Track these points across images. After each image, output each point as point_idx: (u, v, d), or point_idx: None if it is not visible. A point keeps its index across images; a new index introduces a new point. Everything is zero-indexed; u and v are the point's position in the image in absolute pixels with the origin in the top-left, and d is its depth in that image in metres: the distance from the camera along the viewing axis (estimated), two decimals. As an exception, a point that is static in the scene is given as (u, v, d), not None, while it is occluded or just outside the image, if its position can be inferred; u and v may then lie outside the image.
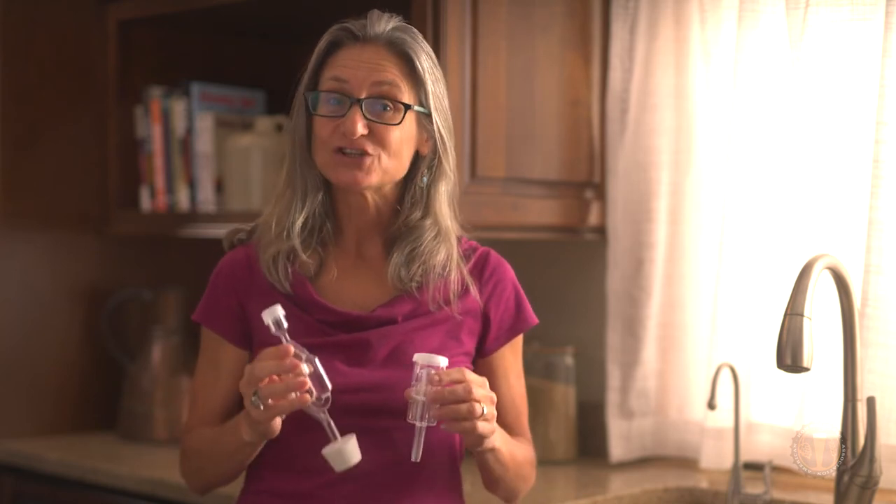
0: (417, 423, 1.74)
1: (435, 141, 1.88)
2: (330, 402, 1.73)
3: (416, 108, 1.85)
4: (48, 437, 3.11)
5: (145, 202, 3.11)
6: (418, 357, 1.75)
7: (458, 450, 1.92)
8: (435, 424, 1.75)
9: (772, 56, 2.55)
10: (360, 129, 1.80)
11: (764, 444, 2.59)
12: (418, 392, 1.73)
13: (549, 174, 2.71)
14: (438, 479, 1.88)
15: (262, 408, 1.69)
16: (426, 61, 1.87)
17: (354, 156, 1.82)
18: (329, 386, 1.73)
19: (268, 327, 1.74)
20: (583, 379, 2.87)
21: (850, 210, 2.46)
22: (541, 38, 2.68)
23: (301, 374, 1.69)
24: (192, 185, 3.04)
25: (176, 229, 3.03)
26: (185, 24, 3.15)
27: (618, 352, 2.78)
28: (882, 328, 2.35)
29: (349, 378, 1.81)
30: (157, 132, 3.08)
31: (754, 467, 2.50)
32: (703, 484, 2.57)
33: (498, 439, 1.83)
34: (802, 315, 2.00)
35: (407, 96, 1.84)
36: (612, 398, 2.77)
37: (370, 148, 1.82)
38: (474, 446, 1.81)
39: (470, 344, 1.91)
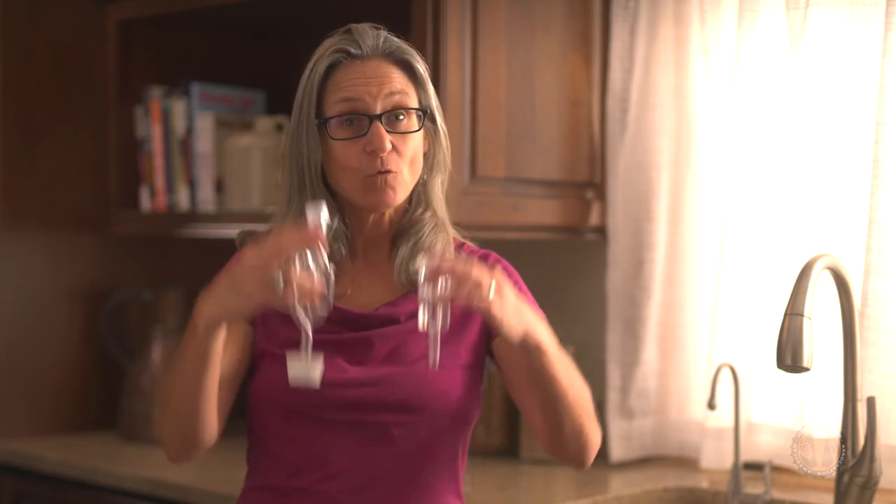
0: (430, 329, 1.69)
1: (433, 137, 1.89)
2: (321, 321, 1.69)
3: (426, 110, 1.86)
4: (48, 437, 3.11)
5: (145, 202, 3.10)
6: (421, 262, 1.73)
7: (458, 450, 1.92)
8: (448, 328, 1.69)
9: (772, 56, 2.55)
10: (388, 143, 1.80)
11: (764, 444, 2.59)
12: (424, 293, 1.69)
13: (549, 174, 2.71)
14: (438, 477, 1.87)
15: (279, 289, 1.62)
16: (422, 62, 1.88)
17: (385, 176, 1.81)
18: (331, 302, 1.69)
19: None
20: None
21: (850, 210, 2.46)
22: (541, 38, 2.68)
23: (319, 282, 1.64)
24: (192, 185, 3.04)
25: (176, 229, 3.03)
26: (185, 24, 3.15)
27: (618, 352, 2.78)
28: (882, 328, 2.35)
29: (349, 374, 1.81)
30: (156, 132, 3.08)
31: (754, 467, 2.50)
32: (704, 484, 2.57)
33: (544, 337, 1.74)
34: (802, 315, 2.00)
35: (415, 101, 1.85)
36: (613, 398, 2.77)
37: (394, 164, 1.82)
38: (509, 338, 1.70)
39: (473, 332, 1.90)
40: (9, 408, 3.09)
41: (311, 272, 1.65)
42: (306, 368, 1.69)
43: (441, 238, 1.90)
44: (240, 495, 1.95)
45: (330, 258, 1.77)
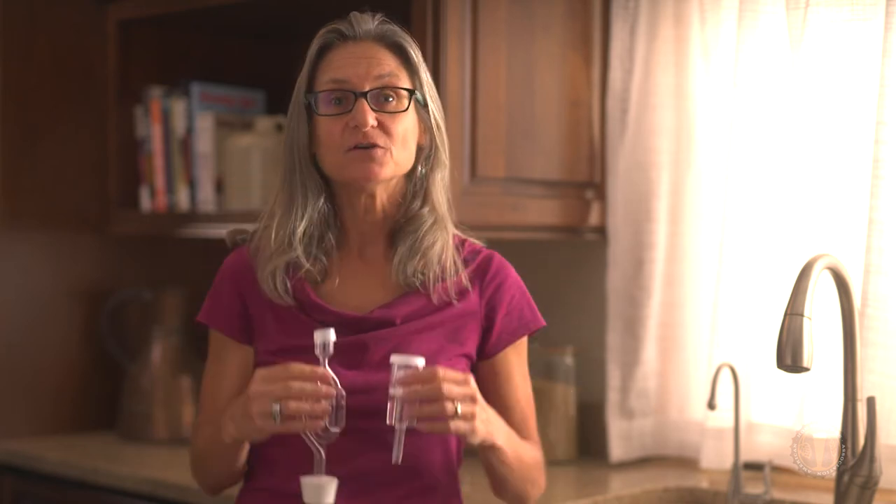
0: (396, 425, 1.73)
1: (431, 131, 1.89)
2: (333, 439, 1.74)
3: (417, 94, 1.86)
4: (48, 437, 3.11)
5: (145, 202, 3.10)
6: (395, 358, 1.74)
7: (455, 451, 1.92)
8: (415, 425, 1.73)
9: (772, 56, 2.55)
10: (371, 119, 1.81)
11: (764, 444, 2.59)
12: (395, 393, 1.72)
13: (549, 174, 2.71)
14: (435, 480, 1.87)
15: (277, 421, 1.69)
16: (417, 51, 1.89)
17: (367, 149, 1.82)
18: (342, 425, 1.73)
19: (314, 347, 1.74)
20: (583, 379, 2.87)
21: (850, 210, 2.46)
22: (541, 38, 2.68)
23: (326, 405, 1.71)
24: (192, 185, 3.03)
25: (176, 229, 3.03)
26: (185, 24, 3.15)
27: (618, 352, 2.78)
28: (882, 328, 2.35)
29: (344, 380, 1.81)
30: (156, 132, 3.08)
31: (754, 467, 2.50)
32: (704, 484, 2.57)
33: (501, 437, 1.82)
34: (802, 315, 2.00)
35: (406, 83, 1.86)
36: (612, 398, 2.77)
37: (381, 140, 1.82)
38: (470, 442, 1.78)
39: (470, 346, 1.90)
40: (9, 408, 3.09)
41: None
42: (319, 491, 1.68)
43: (440, 237, 1.89)
44: (238, 495, 1.95)
45: (318, 248, 1.81)
